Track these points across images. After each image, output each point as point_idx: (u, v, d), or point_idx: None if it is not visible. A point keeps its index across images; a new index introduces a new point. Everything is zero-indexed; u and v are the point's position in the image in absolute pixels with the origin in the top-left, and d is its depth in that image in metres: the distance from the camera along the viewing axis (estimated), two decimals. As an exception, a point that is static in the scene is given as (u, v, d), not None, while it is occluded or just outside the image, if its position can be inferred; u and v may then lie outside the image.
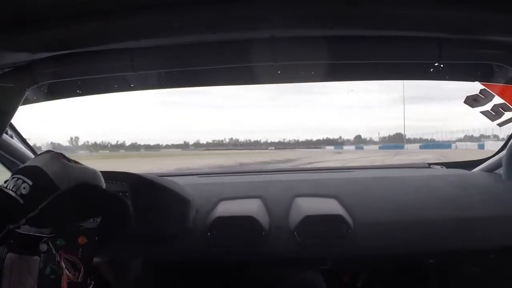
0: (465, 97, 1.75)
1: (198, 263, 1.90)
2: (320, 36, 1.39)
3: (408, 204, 1.87)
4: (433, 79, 1.79)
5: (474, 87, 1.74)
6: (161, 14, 1.18)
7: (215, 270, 2.05)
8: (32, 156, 2.06)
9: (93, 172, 1.18)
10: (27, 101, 1.70)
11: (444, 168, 2.48)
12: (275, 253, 1.78)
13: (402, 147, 36.19)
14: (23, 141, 2.08)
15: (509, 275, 1.96)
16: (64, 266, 1.16)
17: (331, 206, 1.85)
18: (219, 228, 1.77)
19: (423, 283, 2.14)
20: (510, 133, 2.10)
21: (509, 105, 1.74)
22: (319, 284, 1.86)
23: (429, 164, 2.56)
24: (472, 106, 1.73)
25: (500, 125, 1.82)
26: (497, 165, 2.19)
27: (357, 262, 2.09)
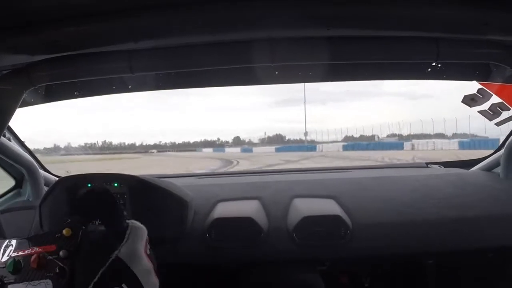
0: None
1: (197, 264, 1.90)
2: (318, 36, 1.39)
3: (406, 204, 1.87)
4: (431, 79, 1.80)
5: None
6: (159, 16, 1.17)
7: (214, 272, 2.05)
8: (30, 159, 2.05)
9: None
10: (25, 104, 1.70)
11: (442, 167, 2.48)
12: (273, 254, 1.78)
13: (313, 148, 30.59)
14: (21, 143, 2.08)
15: (507, 274, 1.97)
16: None
17: (329, 207, 1.85)
18: (217, 229, 1.77)
19: (422, 283, 2.13)
20: (508, 132, 2.09)
21: (506, 104, 1.74)
22: (317, 285, 1.85)
23: (427, 163, 2.56)
24: (470, 106, 1.73)
25: (498, 124, 1.82)
26: (495, 164, 2.19)
27: (356, 263, 2.09)
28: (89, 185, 1.72)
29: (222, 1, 1.15)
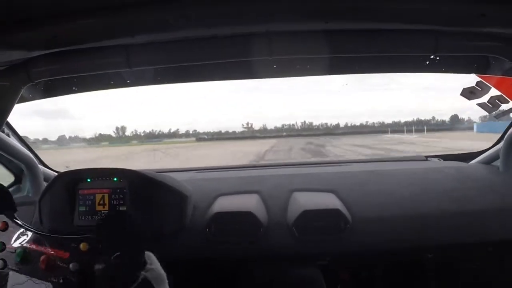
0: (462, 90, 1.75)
1: (197, 259, 1.90)
2: (316, 30, 1.38)
3: (406, 198, 1.87)
4: (429, 72, 1.80)
5: None
6: (156, 10, 1.17)
7: (214, 266, 2.05)
8: (29, 154, 2.05)
9: None
10: (23, 99, 1.70)
11: (442, 160, 2.48)
12: (273, 249, 1.78)
13: None
14: (20, 139, 2.08)
15: (507, 267, 1.97)
16: None
17: (329, 201, 1.86)
18: (217, 224, 1.77)
19: (421, 277, 2.14)
20: (507, 125, 2.09)
21: (505, 97, 1.73)
22: (317, 279, 1.85)
23: (427, 156, 2.56)
24: (469, 98, 1.73)
25: (497, 117, 1.83)
26: (495, 157, 2.19)
27: (355, 256, 2.10)
28: (88, 180, 1.72)
29: None
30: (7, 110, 1.56)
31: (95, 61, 1.47)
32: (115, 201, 1.69)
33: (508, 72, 1.63)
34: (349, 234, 1.75)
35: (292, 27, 1.37)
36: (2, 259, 1.29)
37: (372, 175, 2.12)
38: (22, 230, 1.32)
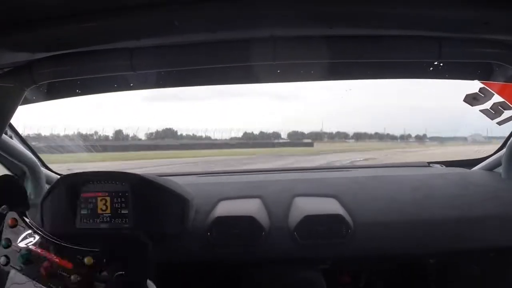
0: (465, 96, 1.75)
1: (198, 263, 1.90)
2: (320, 35, 1.38)
3: (408, 204, 1.86)
4: (433, 78, 1.80)
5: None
6: (161, 13, 1.17)
7: (215, 270, 2.05)
8: (32, 156, 2.05)
9: None
10: (26, 101, 1.70)
11: (444, 167, 2.47)
12: (275, 253, 1.78)
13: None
14: (23, 141, 2.08)
15: (508, 274, 1.96)
16: None
17: (330, 206, 1.85)
18: (218, 228, 1.77)
19: (423, 283, 2.13)
20: (510, 132, 2.09)
21: (508, 103, 1.74)
22: (318, 284, 1.85)
23: (429, 163, 2.55)
24: (472, 105, 1.73)
25: (499, 123, 1.82)
26: (497, 163, 2.18)
27: (357, 262, 2.09)
28: (91, 182, 1.72)
29: None
30: (10, 112, 1.56)
31: (99, 63, 1.47)
32: (116, 204, 1.68)
33: (512, 79, 1.64)
34: (351, 239, 1.74)
35: (296, 32, 1.38)
36: (6, 255, 1.29)
37: (374, 181, 2.12)
38: (29, 231, 1.33)
